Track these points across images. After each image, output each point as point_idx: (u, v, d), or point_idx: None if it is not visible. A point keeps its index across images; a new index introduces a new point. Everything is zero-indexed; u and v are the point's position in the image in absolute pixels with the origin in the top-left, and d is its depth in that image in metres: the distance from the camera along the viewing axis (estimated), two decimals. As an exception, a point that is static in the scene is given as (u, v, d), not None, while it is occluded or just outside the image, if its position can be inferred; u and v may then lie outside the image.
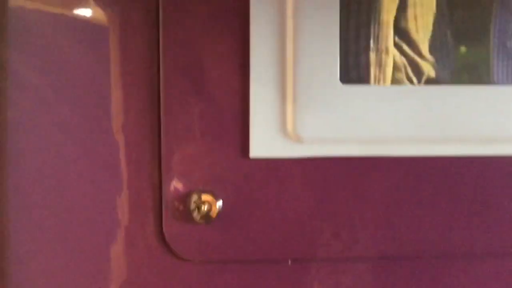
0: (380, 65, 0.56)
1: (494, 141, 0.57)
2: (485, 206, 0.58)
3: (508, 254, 0.59)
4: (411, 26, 0.56)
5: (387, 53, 0.56)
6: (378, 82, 0.57)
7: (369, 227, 0.57)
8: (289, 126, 0.54)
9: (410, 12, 0.56)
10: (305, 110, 0.53)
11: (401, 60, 0.57)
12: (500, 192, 0.58)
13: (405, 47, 0.56)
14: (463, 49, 0.59)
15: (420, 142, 0.56)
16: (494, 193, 0.58)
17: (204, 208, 0.53)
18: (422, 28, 0.57)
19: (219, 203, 0.54)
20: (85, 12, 0.52)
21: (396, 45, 0.57)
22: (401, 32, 0.57)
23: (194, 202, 0.53)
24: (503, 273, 0.59)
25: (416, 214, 0.57)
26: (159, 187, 0.54)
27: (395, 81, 0.57)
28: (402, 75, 0.57)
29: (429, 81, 0.58)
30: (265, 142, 0.54)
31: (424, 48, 0.57)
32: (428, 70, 0.57)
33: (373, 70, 0.56)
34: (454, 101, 0.55)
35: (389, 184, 0.56)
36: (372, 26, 0.56)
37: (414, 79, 0.58)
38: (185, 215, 0.54)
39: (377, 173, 0.56)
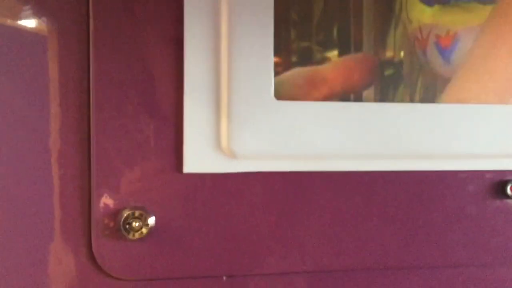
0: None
1: (429, 157, 0.58)
2: (421, 219, 0.59)
3: (447, 266, 0.60)
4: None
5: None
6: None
7: (304, 242, 0.57)
8: (223, 141, 0.53)
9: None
10: (240, 125, 0.53)
11: None
12: (436, 206, 0.59)
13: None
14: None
15: (356, 158, 0.57)
16: (430, 207, 0.59)
17: (136, 224, 0.52)
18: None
19: (152, 219, 0.53)
20: (25, 21, 0.51)
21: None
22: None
23: (125, 218, 0.52)
24: (441, 284, 0.60)
25: (351, 228, 0.58)
26: (88, 203, 0.52)
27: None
28: None
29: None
30: (199, 157, 0.54)
31: None
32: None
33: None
34: (390, 117, 0.57)
35: (325, 199, 0.57)
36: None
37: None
38: (116, 232, 0.53)
39: (312, 188, 0.57)
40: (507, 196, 0.61)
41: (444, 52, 0.60)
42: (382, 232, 0.58)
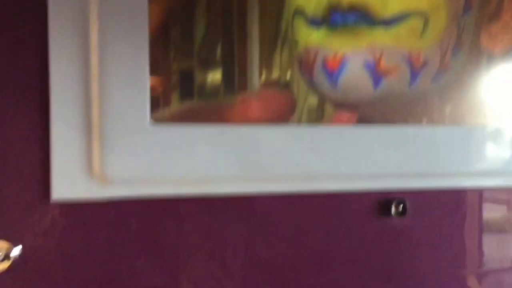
0: None
1: (313, 179, 0.58)
2: (307, 240, 0.59)
3: (330, 283, 0.61)
4: None
5: None
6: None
7: (184, 269, 0.55)
8: (95, 166, 0.50)
9: None
10: (112, 150, 0.50)
11: None
12: (321, 227, 0.59)
13: None
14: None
15: (236, 181, 0.55)
16: (316, 229, 0.59)
17: (-2, 256, 0.49)
18: None
19: (15, 250, 0.49)
20: None
21: None
22: None
23: (-15, 250, 0.48)
24: None
25: (234, 253, 0.56)
26: None
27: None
28: None
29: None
30: (68, 183, 0.50)
31: None
32: None
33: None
34: (271, 139, 0.56)
35: (205, 225, 0.55)
36: None
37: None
38: (-26, 264, 0.49)
39: (190, 213, 0.55)
40: (392, 215, 0.62)
41: (331, 75, 0.60)
42: (265, 255, 0.57)
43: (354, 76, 0.60)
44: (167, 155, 0.52)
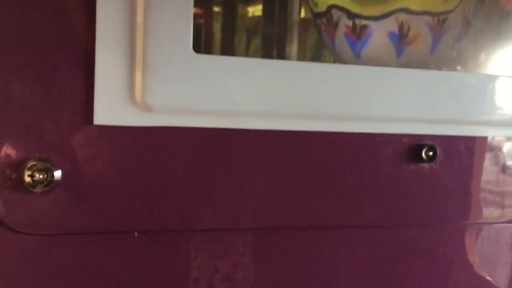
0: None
1: (347, 119, 0.58)
2: (337, 180, 0.59)
3: (361, 226, 0.61)
4: None
5: None
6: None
7: (215, 199, 0.56)
8: (137, 93, 0.51)
9: None
10: (155, 77, 0.51)
11: None
12: (352, 168, 0.60)
13: None
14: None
15: (273, 116, 0.56)
16: (346, 169, 0.59)
17: (40, 177, 0.49)
18: None
19: (58, 172, 0.50)
20: None
21: None
22: None
23: (28, 170, 0.49)
24: (355, 244, 0.61)
25: (266, 187, 0.57)
26: None
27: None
28: None
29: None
30: (110, 108, 0.51)
31: None
32: None
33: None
34: (309, 77, 0.56)
35: (240, 157, 0.56)
36: None
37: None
38: (18, 184, 0.50)
39: (229, 145, 0.55)
40: (422, 160, 0.62)
41: (355, 45, 0.59)
42: (298, 191, 0.58)
43: (378, 47, 0.59)
44: (209, 85, 0.52)
